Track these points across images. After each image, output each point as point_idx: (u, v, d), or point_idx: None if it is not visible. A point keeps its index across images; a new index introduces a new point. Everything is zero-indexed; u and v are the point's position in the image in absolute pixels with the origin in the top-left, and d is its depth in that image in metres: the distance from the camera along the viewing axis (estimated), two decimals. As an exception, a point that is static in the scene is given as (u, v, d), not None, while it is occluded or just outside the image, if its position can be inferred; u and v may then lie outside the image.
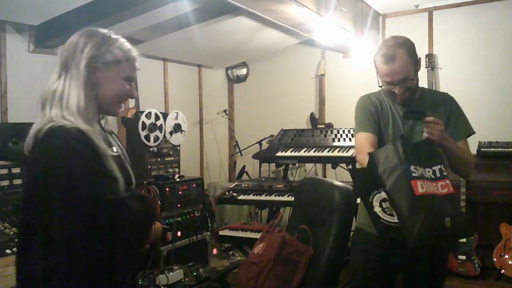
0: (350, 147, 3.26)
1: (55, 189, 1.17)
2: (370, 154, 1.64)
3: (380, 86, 1.83)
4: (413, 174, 1.57)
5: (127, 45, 1.37)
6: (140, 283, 2.67)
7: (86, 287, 1.21)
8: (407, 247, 1.57)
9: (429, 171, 1.62)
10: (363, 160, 1.77)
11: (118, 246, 1.25)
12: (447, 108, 1.86)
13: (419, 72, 1.84)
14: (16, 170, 2.83)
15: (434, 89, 3.72)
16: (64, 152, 1.18)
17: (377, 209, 1.62)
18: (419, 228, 1.51)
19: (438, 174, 1.62)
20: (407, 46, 1.77)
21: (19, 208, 1.34)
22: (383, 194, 1.61)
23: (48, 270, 1.18)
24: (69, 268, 1.18)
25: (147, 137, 3.54)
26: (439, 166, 1.63)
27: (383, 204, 1.61)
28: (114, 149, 1.37)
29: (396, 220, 1.57)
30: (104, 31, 1.36)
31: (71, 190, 1.17)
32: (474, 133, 1.87)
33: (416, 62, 1.80)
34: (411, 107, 1.75)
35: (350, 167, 3.42)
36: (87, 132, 1.23)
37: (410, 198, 1.54)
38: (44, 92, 1.32)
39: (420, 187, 1.55)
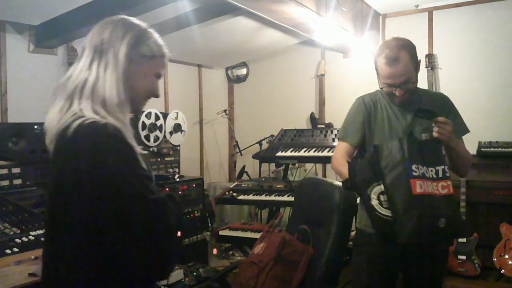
0: (350, 147, 3.26)
1: (96, 190, 1.06)
2: (374, 146, 1.67)
3: (381, 88, 1.83)
4: (414, 173, 1.59)
5: (161, 40, 1.30)
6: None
7: None
8: (398, 243, 1.59)
9: (431, 171, 1.63)
10: (335, 166, 1.91)
11: (162, 248, 1.13)
12: (445, 108, 1.87)
13: (418, 72, 1.85)
14: (16, 170, 2.83)
15: (434, 89, 3.72)
16: (103, 152, 1.07)
17: (374, 201, 1.64)
18: (411, 226, 1.55)
19: (440, 175, 1.64)
20: (409, 48, 1.77)
21: (47, 208, 1.20)
22: (383, 187, 1.63)
23: (93, 274, 1.10)
24: (114, 273, 1.11)
25: (147, 137, 3.54)
26: (442, 167, 1.65)
27: (381, 197, 1.63)
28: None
29: (391, 215, 1.59)
30: (139, 21, 1.27)
31: (116, 191, 1.06)
32: (469, 132, 1.91)
33: (417, 65, 1.81)
34: (421, 106, 1.76)
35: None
36: (121, 129, 1.12)
37: (407, 197, 1.57)
38: (70, 81, 1.17)
39: (419, 187, 1.57)
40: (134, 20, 1.26)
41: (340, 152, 1.94)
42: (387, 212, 1.61)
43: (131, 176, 1.09)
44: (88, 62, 1.18)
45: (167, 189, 3.30)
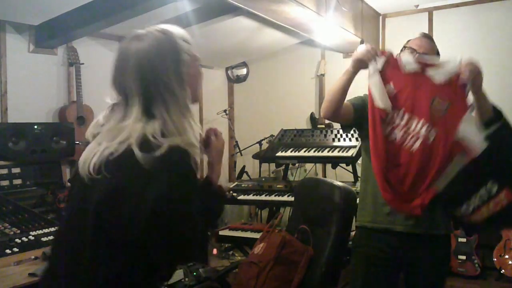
0: (350, 147, 3.27)
1: (152, 210, 1.04)
2: None
3: (404, 46, 1.95)
4: None
5: (182, 31, 1.24)
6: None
7: None
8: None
9: None
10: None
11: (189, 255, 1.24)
12: None
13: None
14: (16, 170, 2.83)
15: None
16: (173, 176, 1.07)
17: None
18: None
19: None
20: (437, 49, 1.95)
21: (91, 221, 1.13)
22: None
23: (120, 274, 1.11)
24: (141, 273, 1.13)
25: (147, 137, 3.53)
26: None
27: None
28: None
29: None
30: (156, 29, 1.19)
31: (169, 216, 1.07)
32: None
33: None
34: None
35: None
36: (189, 151, 1.11)
37: None
38: (124, 130, 1.11)
39: None
40: (153, 31, 1.18)
41: None
42: None
43: (186, 204, 1.09)
44: (141, 111, 1.11)
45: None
